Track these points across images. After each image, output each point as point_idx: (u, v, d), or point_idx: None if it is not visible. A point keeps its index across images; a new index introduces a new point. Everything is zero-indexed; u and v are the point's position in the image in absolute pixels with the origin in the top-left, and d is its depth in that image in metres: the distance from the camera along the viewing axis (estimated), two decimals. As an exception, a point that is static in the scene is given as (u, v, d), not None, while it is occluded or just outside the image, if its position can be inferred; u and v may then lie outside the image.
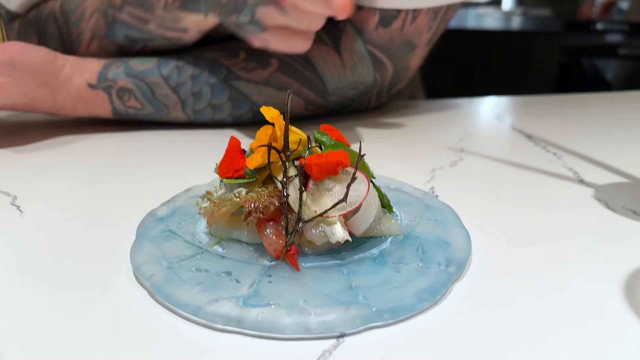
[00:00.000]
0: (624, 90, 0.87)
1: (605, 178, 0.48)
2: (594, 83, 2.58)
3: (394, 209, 0.39)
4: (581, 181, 0.47)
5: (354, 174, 0.32)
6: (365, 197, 0.33)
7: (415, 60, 0.67)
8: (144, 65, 0.61)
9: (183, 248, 0.34)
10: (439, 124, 0.68)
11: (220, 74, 0.61)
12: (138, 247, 0.34)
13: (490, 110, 0.75)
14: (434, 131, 0.64)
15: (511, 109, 0.77)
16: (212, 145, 0.59)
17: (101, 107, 0.61)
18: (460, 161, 0.53)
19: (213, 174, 0.37)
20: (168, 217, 0.38)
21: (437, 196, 0.44)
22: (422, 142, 0.59)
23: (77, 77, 0.59)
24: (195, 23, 0.59)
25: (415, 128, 0.65)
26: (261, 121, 0.35)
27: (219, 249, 0.34)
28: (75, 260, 0.35)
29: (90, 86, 0.60)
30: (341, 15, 0.46)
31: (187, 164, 0.54)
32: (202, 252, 0.33)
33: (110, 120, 0.64)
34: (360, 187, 0.33)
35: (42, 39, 0.68)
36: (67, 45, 0.66)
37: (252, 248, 0.34)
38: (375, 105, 0.71)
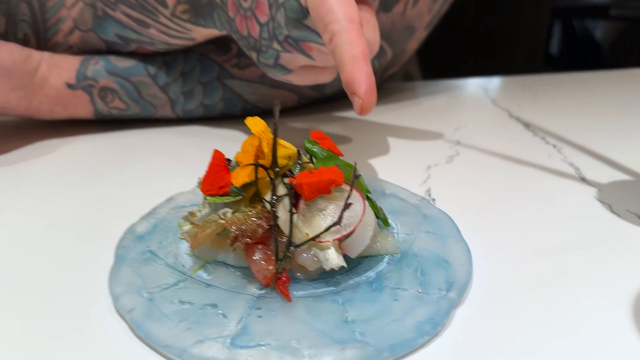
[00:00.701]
0: (620, 62, 0.85)
1: (607, 175, 0.46)
2: (584, 44, 2.55)
3: (390, 221, 0.37)
4: (583, 179, 0.45)
5: (347, 199, 0.29)
6: (361, 219, 0.30)
7: (414, 43, 0.63)
8: (126, 61, 0.56)
9: (165, 274, 0.32)
10: (434, 111, 0.65)
11: (213, 72, 0.57)
12: (116, 272, 0.32)
13: (485, 93, 0.72)
14: (429, 120, 0.61)
15: (508, 92, 0.74)
16: (198, 143, 0.55)
17: (81, 108, 0.56)
18: (456, 156, 0.50)
19: (197, 177, 0.35)
20: (148, 235, 0.36)
21: (434, 200, 0.42)
22: (416, 134, 0.57)
23: (54, 76, 0.54)
24: (207, 35, 0.53)
25: (408, 117, 0.62)
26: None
27: (204, 275, 0.32)
28: (50, 284, 0.33)
29: (69, 86, 0.55)
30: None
31: (171, 166, 0.51)
32: (185, 279, 0.31)
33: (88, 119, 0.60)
34: (355, 206, 0.31)
35: (10, 22, 0.62)
36: (41, 31, 0.59)
37: (239, 273, 0.32)
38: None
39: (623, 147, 0.52)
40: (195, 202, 0.39)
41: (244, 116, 0.62)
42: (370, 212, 0.31)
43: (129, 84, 0.55)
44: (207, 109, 0.59)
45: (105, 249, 0.35)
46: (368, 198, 0.34)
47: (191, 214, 0.33)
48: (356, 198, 0.31)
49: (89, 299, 0.31)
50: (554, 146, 0.52)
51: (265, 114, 0.61)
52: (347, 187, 0.31)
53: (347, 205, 0.29)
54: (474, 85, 0.76)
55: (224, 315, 0.28)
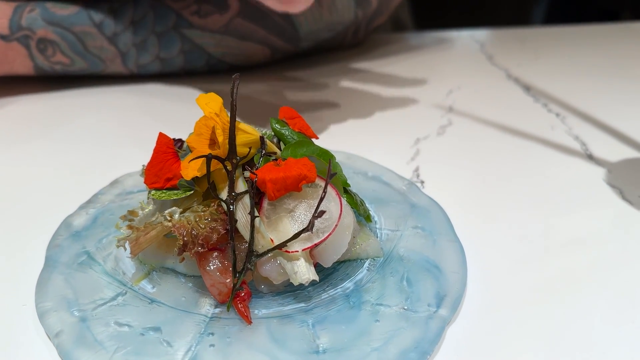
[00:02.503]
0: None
1: (616, 151, 0.41)
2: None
3: (372, 213, 0.31)
4: (590, 157, 0.40)
5: (319, 204, 0.24)
6: (337, 224, 0.25)
7: None
8: (66, 9, 0.48)
9: (102, 285, 0.26)
10: (424, 70, 0.59)
11: (169, 20, 0.49)
12: (45, 281, 0.27)
13: (482, 49, 0.65)
14: (419, 81, 0.55)
15: (505, 48, 0.67)
16: (155, 106, 0.49)
17: (19, 63, 0.49)
18: (448, 127, 0.45)
19: (149, 154, 0.29)
20: (86, 230, 0.30)
21: (422, 182, 0.37)
22: (404, 99, 0.51)
23: None
24: None
25: (396, 77, 0.56)
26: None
27: (148, 286, 0.26)
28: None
29: (2, 37, 0.47)
30: None
31: (123, 135, 0.44)
32: (125, 292, 0.26)
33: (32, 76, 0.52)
34: (330, 207, 0.25)
35: None
36: None
37: (190, 284, 0.27)
38: (351, 43, 0.61)
39: (632, 116, 0.46)
40: (144, 187, 0.33)
41: (208, 72, 0.56)
42: (348, 213, 0.26)
43: (71, 35, 0.48)
44: (164, 64, 0.52)
45: (36, 245, 0.30)
46: (346, 191, 0.29)
47: (131, 213, 0.27)
48: (331, 197, 0.26)
49: (12, 311, 0.26)
50: (557, 115, 0.47)
51: (233, 69, 0.54)
52: (320, 182, 0.26)
53: (319, 213, 0.23)
54: (469, 39, 0.69)
55: (169, 343, 0.23)
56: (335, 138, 0.42)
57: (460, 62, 0.62)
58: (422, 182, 0.37)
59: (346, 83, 0.54)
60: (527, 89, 0.53)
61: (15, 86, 0.52)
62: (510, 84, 0.54)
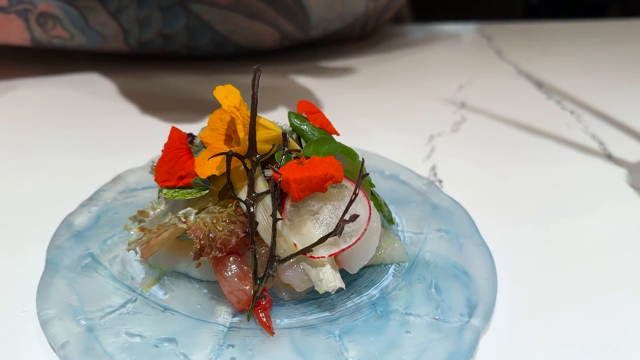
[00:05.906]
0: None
1: (635, 151, 0.40)
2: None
3: (393, 215, 0.30)
4: (609, 157, 0.39)
5: (348, 207, 0.22)
6: (366, 228, 0.23)
7: None
8: None
9: (109, 290, 0.24)
10: (433, 63, 0.57)
11: None
12: (47, 286, 0.25)
13: (488, 42, 0.64)
14: (428, 75, 0.53)
15: (513, 43, 0.66)
16: (162, 97, 0.46)
17: (15, 35, 0.47)
18: (462, 123, 0.43)
19: (157, 145, 0.26)
20: (89, 230, 0.28)
21: (440, 181, 0.35)
22: (415, 93, 0.49)
23: None
24: None
25: (405, 70, 0.54)
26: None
27: (159, 292, 0.24)
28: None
29: (0, 9, 0.45)
30: None
31: (125, 126, 0.42)
32: (135, 299, 0.24)
33: (26, 49, 0.49)
34: (357, 209, 0.24)
35: None
36: None
37: (205, 290, 0.25)
38: (359, 36, 0.59)
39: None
40: (149, 183, 0.31)
41: (212, 52, 0.53)
42: (376, 217, 0.24)
43: (73, 10, 0.46)
44: (167, 40, 0.49)
45: (34, 246, 0.28)
46: (371, 193, 0.27)
47: (142, 213, 0.25)
48: (359, 199, 0.24)
49: (10, 318, 0.24)
50: (572, 112, 0.46)
51: (239, 51, 0.51)
52: (347, 184, 0.24)
53: (351, 217, 0.22)
54: (474, 32, 0.68)
55: (186, 356, 0.21)
56: (346, 134, 0.40)
57: (469, 57, 0.60)
58: (440, 181, 0.35)
59: (353, 77, 0.52)
60: (539, 85, 0.51)
61: (10, 72, 0.49)
62: (522, 80, 0.53)
